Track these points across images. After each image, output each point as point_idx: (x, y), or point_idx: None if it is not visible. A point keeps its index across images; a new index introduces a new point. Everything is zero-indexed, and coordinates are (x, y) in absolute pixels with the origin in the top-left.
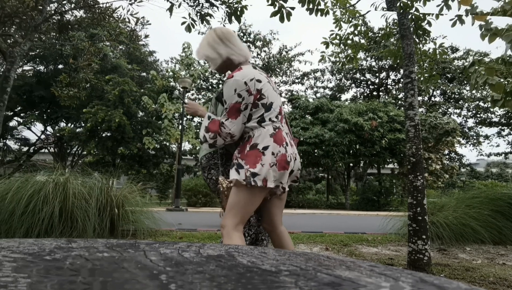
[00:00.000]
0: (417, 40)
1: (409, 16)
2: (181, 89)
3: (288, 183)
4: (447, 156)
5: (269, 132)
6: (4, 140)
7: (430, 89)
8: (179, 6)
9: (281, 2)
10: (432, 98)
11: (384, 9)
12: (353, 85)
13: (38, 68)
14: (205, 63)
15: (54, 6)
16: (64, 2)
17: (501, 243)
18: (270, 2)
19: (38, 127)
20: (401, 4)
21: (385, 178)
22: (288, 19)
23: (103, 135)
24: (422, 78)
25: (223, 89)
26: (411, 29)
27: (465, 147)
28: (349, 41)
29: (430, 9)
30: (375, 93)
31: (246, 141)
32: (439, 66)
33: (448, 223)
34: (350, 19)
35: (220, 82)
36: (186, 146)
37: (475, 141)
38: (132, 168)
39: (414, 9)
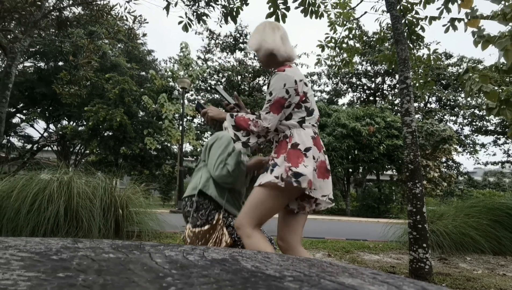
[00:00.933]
0: (411, 45)
1: (403, 21)
2: (180, 90)
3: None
4: (444, 164)
5: (310, 134)
6: (8, 137)
7: (426, 96)
8: (175, 5)
9: (279, 3)
10: (428, 105)
11: (384, 12)
12: (349, 89)
13: (38, 65)
14: (203, 63)
15: (52, 2)
16: None
17: (501, 253)
18: (270, 6)
19: (41, 124)
20: (401, 7)
21: (384, 185)
22: (283, 21)
23: (105, 134)
24: (417, 84)
25: (271, 81)
26: (405, 34)
27: (462, 155)
28: (344, 45)
29: (430, 12)
30: (371, 98)
31: (283, 140)
32: (434, 72)
33: (448, 232)
34: (345, 22)
35: (218, 83)
36: (187, 147)
37: (471, 149)
38: (134, 169)
39: (414, 12)
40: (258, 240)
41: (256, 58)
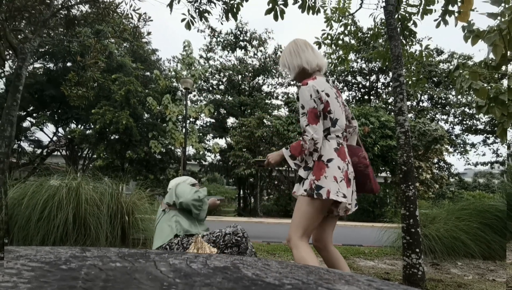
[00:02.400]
0: (404, 41)
1: (396, 16)
2: (183, 90)
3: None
4: (436, 165)
5: (333, 146)
6: (18, 142)
7: (418, 94)
8: (178, 1)
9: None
10: (420, 103)
11: (382, 20)
12: (345, 88)
13: (48, 66)
14: (205, 63)
15: (61, 0)
16: None
17: (490, 257)
18: (269, 2)
19: (50, 128)
20: (399, 17)
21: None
22: (282, 17)
23: (111, 137)
24: (410, 82)
25: (300, 96)
26: (398, 29)
27: (453, 155)
28: (340, 42)
29: (427, 23)
30: (366, 97)
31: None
32: (426, 69)
33: (439, 236)
34: (340, 18)
35: (220, 82)
36: (190, 150)
37: (462, 149)
38: (140, 173)
39: (411, 21)
40: (304, 250)
41: (255, 56)
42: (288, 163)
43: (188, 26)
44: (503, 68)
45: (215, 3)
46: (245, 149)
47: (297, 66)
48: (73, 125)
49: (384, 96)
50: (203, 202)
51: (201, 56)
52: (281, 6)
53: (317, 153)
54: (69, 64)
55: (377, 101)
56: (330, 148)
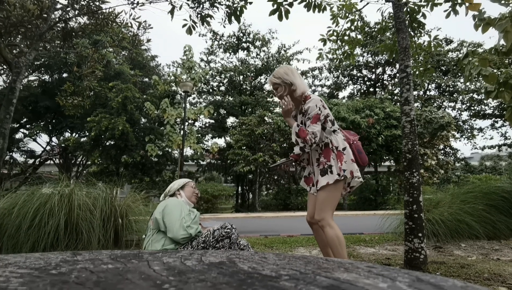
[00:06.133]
0: (412, 33)
1: (404, 9)
2: (182, 93)
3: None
4: (442, 151)
5: (342, 137)
6: (11, 153)
7: (425, 83)
8: (180, 8)
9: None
10: (427, 92)
11: (391, 14)
12: (350, 82)
13: (43, 78)
14: (205, 65)
15: (58, 14)
16: (68, 9)
17: (495, 237)
18: (274, 3)
19: (43, 138)
20: (408, 9)
21: (382, 176)
22: (287, 17)
23: (107, 143)
24: (417, 72)
25: (309, 107)
26: (406, 22)
27: (460, 141)
28: (346, 37)
29: (437, 14)
30: (371, 89)
31: (327, 146)
32: (434, 58)
33: (443, 220)
34: (347, 14)
35: (220, 84)
36: (188, 151)
37: (469, 134)
38: (135, 177)
39: (420, 13)
40: (337, 228)
41: (258, 57)
42: (292, 136)
43: (189, 32)
44: None
45: (218, 7)
46: (244, 147)
47: (290, 83)
48: (67, 134)
49: (390, 88)
50: (192, 238)
51: (201, 60)
52: (286, 6)
53: (309, 150)
54: (65, 75)
55: (383, 93)
56: (341, 140)
